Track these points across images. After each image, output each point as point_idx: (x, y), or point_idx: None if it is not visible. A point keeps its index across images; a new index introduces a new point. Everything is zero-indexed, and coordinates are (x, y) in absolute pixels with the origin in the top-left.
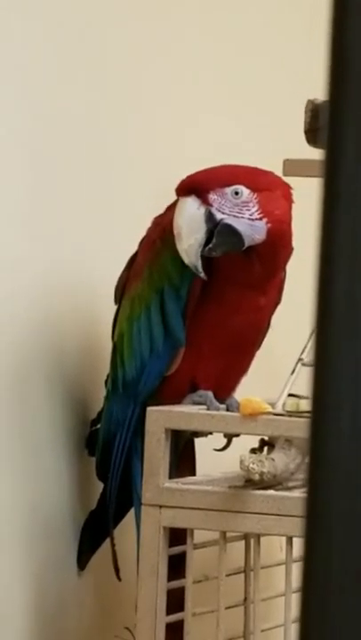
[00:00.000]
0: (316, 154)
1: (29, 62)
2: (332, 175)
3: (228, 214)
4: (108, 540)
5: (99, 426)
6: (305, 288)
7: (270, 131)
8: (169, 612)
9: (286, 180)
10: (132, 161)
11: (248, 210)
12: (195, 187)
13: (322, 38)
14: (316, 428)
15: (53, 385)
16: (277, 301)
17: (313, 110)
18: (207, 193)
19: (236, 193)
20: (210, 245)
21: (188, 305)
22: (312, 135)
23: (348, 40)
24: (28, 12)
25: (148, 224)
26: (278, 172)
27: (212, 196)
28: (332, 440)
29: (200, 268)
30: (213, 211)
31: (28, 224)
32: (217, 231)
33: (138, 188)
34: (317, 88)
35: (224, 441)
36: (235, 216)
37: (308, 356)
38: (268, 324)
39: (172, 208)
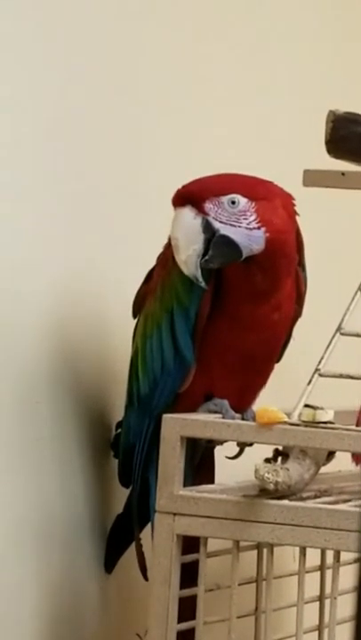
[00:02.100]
0: (337, 165)
1: (51, 75)
2: None
3: (226, 223)
4: (132, 544)
5: None
6: (323, 298)
7: (291, 141)
8: (181, 619)
9: (305, 190)
10: (150, 171)
11: (246, 219)
12: (190, 196)
13: (344, 48)
14: None
15: (76, 388)
16: (297, 314)
17: (334, 121)
18: (203, 202)
19: (233, 202)
20: (206, 257)
21: (198, 325)
22: (333, 146)
23: None
24: (52, 20)
25: (164, 236)
26: (298, 182)
27: (208, 205)
28: None
29: (200, 279)
30: (210, 220)
31: (42, 233)
32: (213, 243)
33: (155, 199)
34: (339, 99)
35: (237, 449)
36: (232, 225)
37: (325, 366)
38: (289, 337)
39: None
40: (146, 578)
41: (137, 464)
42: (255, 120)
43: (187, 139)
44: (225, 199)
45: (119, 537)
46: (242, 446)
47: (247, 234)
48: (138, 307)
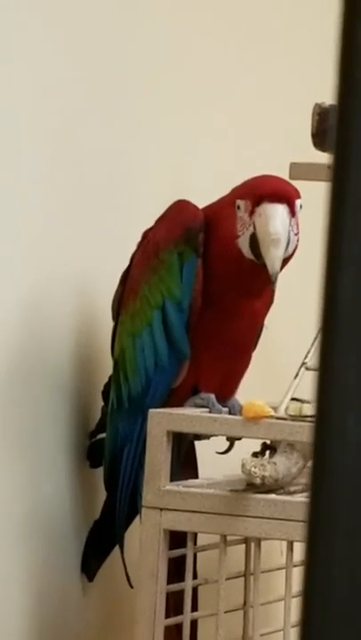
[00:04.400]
0: (323, 157)
1: (46, 78)
2: (340, 179)
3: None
4: (112, 550)
5: (99, 437)
6: (309, 292)
7: (277, 133)
8: (177, 613)
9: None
10: (134, 170)
11: (295, 223)
12: (288, 196)
13: (329, 41)
14: (319, 438)
15: (52, 396)
16: (271, 302)
17: (320, 114)
18: (294, 204)
19: (301, 206)
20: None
21: (191, 317)
22: (319, 139)
23: (357, 42)
24: (48, 25)
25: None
26: (285, 175)
27: (296, 208)
28: (337, 450)
29: (277, 279)
30: (293, 222)
31: (24, 234)
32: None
33: (137, 197)
34: (325, 91)
35: (226, 444)
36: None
37: (312, 360)
38: (263, 325)
39: (161, 221)
40: (131, 585)
41: (127, 468)
42: (242, 113)
43: (174, 132)
44: (298, 202)
45: (98, 544)
46: (232, 440)
47: (291, 238)
48: (116, 309)
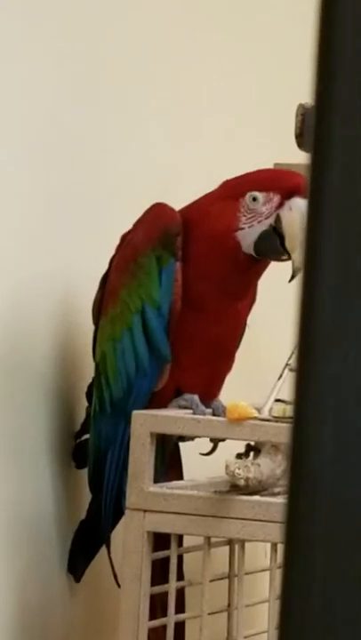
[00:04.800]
0: (307, 158)
1: (30, 79)
2: (319, 180)
3: None
4: (98, 551)
5: (84, 437)
6: (293, 292)
7: (261, 134)
8: (162, 615)
9: None
10: (118, 171)
11: None
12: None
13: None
14: (297, 442)
15: (36, 397)
16: (253, 302)
17: (304, 114)
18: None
19: None
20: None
21: (171, 320)
22: (303, 139)
23: (335, 44)
24: (30, 25)
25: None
26: None
27: None
28: (314, 454)
29: None
30: None
31: (5, 235)
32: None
33: (122, 199)
34: (309, 92)
35: (210, 445)
36: None
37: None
38: (245, 325)
39: (139, 225)
40: (118, 584)
41: (111, 471)
42: (227, 114)
43: (160, 134)
44: None
45: (85, 544)
46: (215, 442)
47: None
48: (97, 313)
